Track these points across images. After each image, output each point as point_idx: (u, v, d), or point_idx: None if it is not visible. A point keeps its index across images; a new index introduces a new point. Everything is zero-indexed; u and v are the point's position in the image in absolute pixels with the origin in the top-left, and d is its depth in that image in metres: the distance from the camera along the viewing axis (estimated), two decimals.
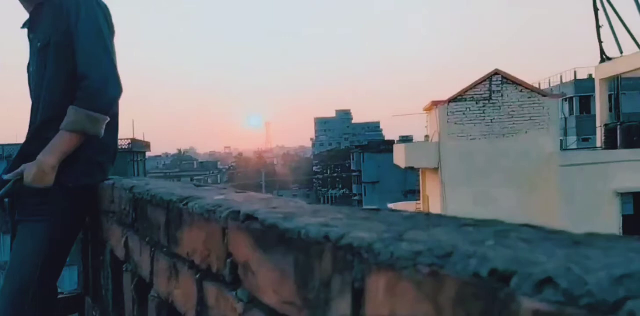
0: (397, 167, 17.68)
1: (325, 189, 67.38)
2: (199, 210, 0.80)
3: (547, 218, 11.21)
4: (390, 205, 21.71)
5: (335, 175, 66.04)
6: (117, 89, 1.72)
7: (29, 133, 1.75)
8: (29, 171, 1.64)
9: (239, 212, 0.67)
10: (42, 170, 1.64)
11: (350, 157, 53.71)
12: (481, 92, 12.46)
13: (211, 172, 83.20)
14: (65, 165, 1.68)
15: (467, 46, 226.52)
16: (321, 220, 0.52)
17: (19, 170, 1.67)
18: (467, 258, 0.32)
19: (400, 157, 15.07)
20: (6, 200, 1.75)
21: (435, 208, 14.40)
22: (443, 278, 0.32)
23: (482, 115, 12.45)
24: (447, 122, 12.53)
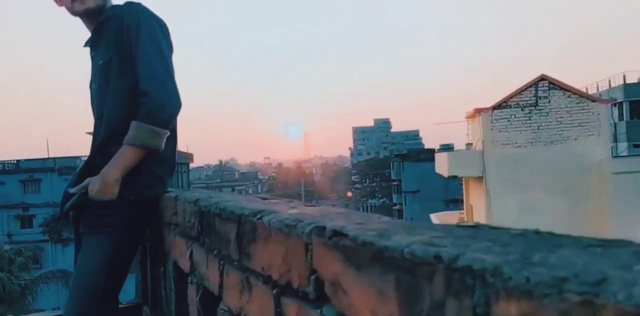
0: (439, 175, 17.39)
1: (365, 199, 67.02)
2: (276, 225, 0.80)
3: (597, 229, 10.73)
4: (433, 215, 21.33)
5: (375, 184, 65.61)
6: (177, 104, 1.76)
7: (92, 148, 1.81)
8: (94, 184, 1.70)
9: (323, 228, 0.66)
10: (106, 183, 1.68)
11: (390, 166, 53.27)
12: (527, 99, 12.13)
13: (252, 182, 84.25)
14: (127, 179, 1.73)
15: (508, 53, 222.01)
16: (422, 239, 0.51)
17: (83, 183, 1.73)
18: (627, 285, 0.29)
19: (443, 165, 14.83)
20: (71, 212, 1.81)
21: (479, 217, 14.04)
22: (599, 308, 0.30)
23: (528, 121, 12.11)
24: (491, 129, 12.25)
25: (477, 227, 0.56)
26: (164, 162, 1.88)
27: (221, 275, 1.09)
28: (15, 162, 35.65)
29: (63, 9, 1.90)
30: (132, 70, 1.76)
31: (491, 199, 12.47)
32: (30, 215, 33.70)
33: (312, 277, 0.68)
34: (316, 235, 0.68)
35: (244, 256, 0.96)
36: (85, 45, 1.96)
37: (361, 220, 0.68)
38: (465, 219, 16.81)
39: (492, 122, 12.21)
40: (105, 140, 1.77)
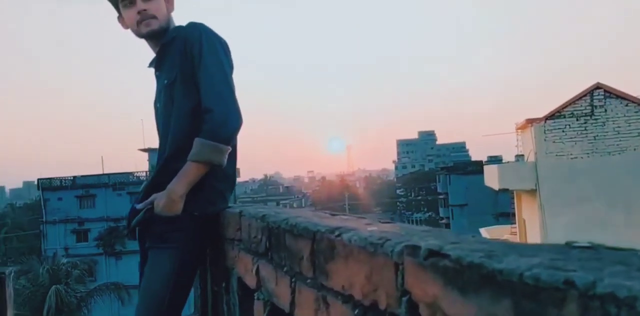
0: (488, 188, 16.86)
1: (410, 212, 65.99)
2: (359, 243, 0.77)
3: None
4: (483, 229, 20.68)
5: (420, 197, 64.53)
6: (238, 121, 1.78)
7: (158, 165, 1.85)
8: (159, 200, 1.73)
9: (417, 247, 0.63)
10: (171, 199, 1.72)
11: (436, 179, 52.31)
12: (581, 108, 11.66)
13: (296, 196, 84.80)
14: (191, 194, 1.76)
15: (557, 63, 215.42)
16: (542, 261, 0.47)
17: (149, 199, 1.77)
18: None
19: (493, 178, 14.40)
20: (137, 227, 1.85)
21: (533, 233, 13.49)
22: None
23: (584, 132, 11.62)
24: (545, 140, 11.82)
25: (594, 247, 0.52)
26: (225, 178, 1.90)
27: (292, 292, 1.08)
28: (72, 178, 37.36)
29: (128, 32, 1.97)
30: (195, 89, 1.80)
31: (545, 213, 11.97)
32: (86, 229, 35.10)
33: (404, 299, 0.65)
34: (408, 254, 0.65)
35: (320, 274, 0.94)
36: (150, 65, 2.02)
37: (455, 239, 0.65)
38: (518, 234, 16.19)
39: (545, 132, 11.78)
40: (170, 157, 1.81)
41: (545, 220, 11.88)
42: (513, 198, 16.81)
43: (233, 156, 1.87)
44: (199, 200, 1.79)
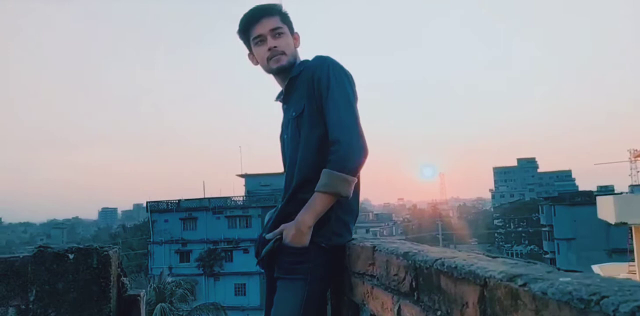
0: (599, 221, 15.37)
1: (509, 245, 62.02)
2: (559, 297, 0.68)
3: None
4: (595, 267, 18.78)
5: (520, 229, 60.54)
6: (364, 152, 1.76)
7: (286, 195, 1.87)
8: (288, 231, 1.74)
9: None
10: (300, 230, 1.71)
11: (539, 209, 48.87)
12: None
13: (386, 223, 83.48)
14: (317, 226, 1.74)
15: None
16: None
17: (278, 229, 1.78)
18: None
19: (608, 210, 13.13)
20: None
21: None
22: None
23: None
24: None
25: None
26: (350, 209, 1.87)
27: None
28: (177, 201, 39.96)
29: (258, 67, 2.05)
30: (322, 120, 1.81)
31: None
32: (188, 250, 37.10)
33: None
34: None
35: None
36: (277, 99, 2.08)
37: None
38: (637, 273, 14.50)
39: None
40: (298, 187, 1.82)
41: None
42: (631, 232, 15.17)
43: (356, 188, 1.84)
44: (325, 231, 1.78)
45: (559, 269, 0.89)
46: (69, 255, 2.01)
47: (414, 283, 1.19)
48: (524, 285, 0.77)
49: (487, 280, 0.87)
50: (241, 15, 2.01)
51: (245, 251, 36.51)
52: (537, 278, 0.77)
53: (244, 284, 35.68)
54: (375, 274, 1.48)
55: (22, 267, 2.04)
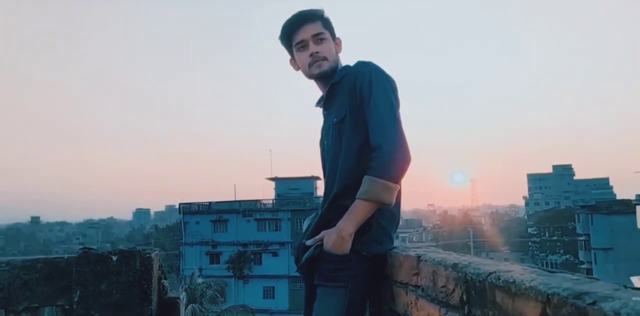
0: (639, 231, 14.78)
1: (544, 254, 60.33)
2: None
3: None
4: (634, 278, 18.04)
5: (555, 238, 58.85)
6: (407, 158, 1.73)
7: (327, 201, 1.86)
8: (329, 238, 1.72)
9: None
10: (341, 237, 1.70)
11: (575, 218, 47.38)
12: None
13: (415, 229, 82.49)
14: (358, 233, 1.72)
15: None
16: None
17: (319, 236, 1.77)
18: None
19: None
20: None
21: None
22: None
23: None
24: None
25: None
26: (391, 217, 1.85)
27: None
28: (208, 204, 40.51)
29: (298, 73, 2.05)
30: (364, 126, 1.79)
31: None
32: (218, 252, 37.53)
33: None
34: None
35: None
36: (317, 104, 2.07)
37: None
38: None
39: None
40: (339, 193, 1.81)
41: None
42: None
43: (398, 195, 1.81)
44: (366, 239, 1.76)
45: (625, 287, 0.84)
46: (113, 256, 2.05)
47: (464, 296, 1.16)
48: (593, 303, 0.73)
49: (550, 296, 0.84)
50: (278, 21, 2.01)
51: (274, 254, 36.70)
52: (606, 297, 0.73)
53: (273, 287, 35.83)
54: (420, 284, 1.45)
55: (67, 268, 2.09)
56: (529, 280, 0.92)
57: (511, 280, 0.96)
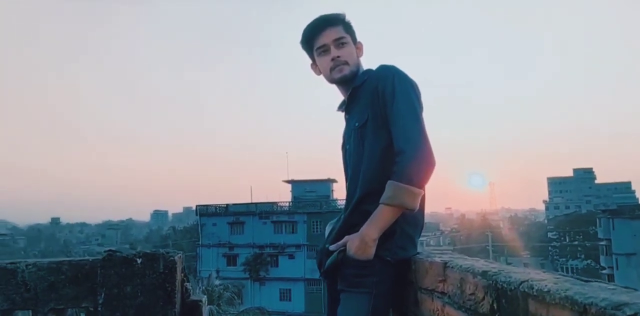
0: None
1: (564, 259, 59.30)
2: None
3: None
4: None
5: (576, 243, 57.81)
6: (431, 163, 1.71)
7: (350, 206, 1.85)
8: (352, 243, 1.71)
9: None
10: (365, 242, 1.68)
11: (596, 222, 46.50)
12: None
13: (433, 233, 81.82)
14: (382, 238, 1.71)
15: None
16: None
17: (342, 241, 1.76)
18: None
19: None
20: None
21: None
22: None
23: None
24: None
25: None
26: (415, 222, 1.83)
27: None
28: (225, 206, 40.75)
29: (320, 77, 2.05)
30: (386, 131, 1.78)
31: None
32: (235, 254, 37.71)
33: None
34: None
35: None
36: (339, 109, 2.06)
37: None
38: None
39: None
40: (362, 198, 1.80)
41: None
42: None
43: (422, 200, 1.79)
44: (390, 245, 1.74)
45: None
46: (137, 259, 2.07)
47: (495, 305, 1.14)
48: (635, 315, 0.71)
49: (587, 307, 0.82)
50: (300, 23, 2.00)
51: (291, 256, 36.72)
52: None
53: (289, 289, 35.86)
54: (446, 291, 1.44)
55: (92, 270, 2.12)
56: (564, 290, 0.90)
57: (545, 289, 0.94)
